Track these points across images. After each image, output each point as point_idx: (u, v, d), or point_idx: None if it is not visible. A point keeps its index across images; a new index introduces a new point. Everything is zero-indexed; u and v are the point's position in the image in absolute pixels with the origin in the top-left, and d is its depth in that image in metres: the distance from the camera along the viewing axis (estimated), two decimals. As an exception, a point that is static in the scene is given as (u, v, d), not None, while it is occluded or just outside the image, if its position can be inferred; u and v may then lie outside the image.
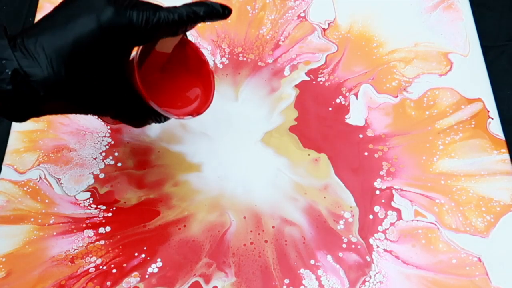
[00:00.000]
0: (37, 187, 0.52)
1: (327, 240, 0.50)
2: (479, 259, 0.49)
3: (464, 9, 0.62)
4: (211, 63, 0.58)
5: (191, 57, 0.46)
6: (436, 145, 0.54)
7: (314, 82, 0.58)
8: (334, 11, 0.62)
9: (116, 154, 0.54)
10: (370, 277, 0.48)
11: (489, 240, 0.50)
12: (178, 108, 0.46)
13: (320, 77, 0.58)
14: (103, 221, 0.50)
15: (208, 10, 0.40)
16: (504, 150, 0.54)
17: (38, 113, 0.39)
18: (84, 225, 0.50)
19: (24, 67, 0.36)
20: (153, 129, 0.55)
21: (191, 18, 0.40)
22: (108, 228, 0.50)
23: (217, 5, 0.41)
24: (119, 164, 0.53)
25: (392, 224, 0.50)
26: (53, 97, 0.38)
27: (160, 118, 0.45)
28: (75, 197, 0.52)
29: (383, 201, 0.51)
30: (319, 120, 0.56)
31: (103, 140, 0.55)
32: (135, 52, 0.42)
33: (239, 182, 0.53)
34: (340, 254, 0.49)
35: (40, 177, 0.52)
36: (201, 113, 0.46)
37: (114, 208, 0.51)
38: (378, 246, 0.49)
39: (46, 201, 0.51)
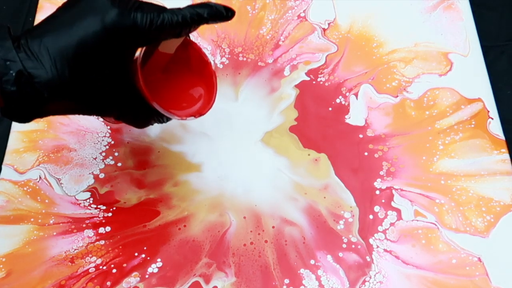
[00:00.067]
0: (37, 187, 0.52)
1: (327, 240, 0.50)
2: (479, 259, 0.49)
3: (464, 9, 0.62)
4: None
5: (194, 58, 0.47)
6: (436, 145, 0.54)
7: (314, 82, 0.58)
8: (334, 11, 0.62)
9: (116, 154, 0.54)
10: (370, 277, 0.48)
11: (489, 240, 0.50)
12: (182, 108, 0.46)
13: (320, 77, 0.58)
14: (103, 221, 0.50)
15: (211, 12, 0.41)
16: (504, 150, 0.54)
17: (42, 114, 0.39)
18: (84, 225, 0.50)
19: (28, 69, 0.36)
20: (153, 129, 0.55)
21: (195, 20, 0.40)
22: (108, 228, 0.50)
23: (221, 7, 0.41)
24: (119, 164, 0.53)
25: (392, 224, 0.50)
26: (57, 98, 0.38)
27: (163, 119, 0.45)
28: (75, 197, 0.52)
29: (383, 201, 0.51)
30: (319, 120, 0.56)
31: (103, 140, 0.55)
32: (138, 52, 0.42)
33: (239, 182, 0.53)
34: (340, 254, 0.49)
35: (40, 177, 0.52)
36: (203, 114, 0.46)
37: (114, 208, 0.51)
38: (378, 246, 0.49)
39: (46, 201, 0.51)
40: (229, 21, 0.42)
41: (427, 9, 0.63)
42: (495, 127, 0.55)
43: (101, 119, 0.55)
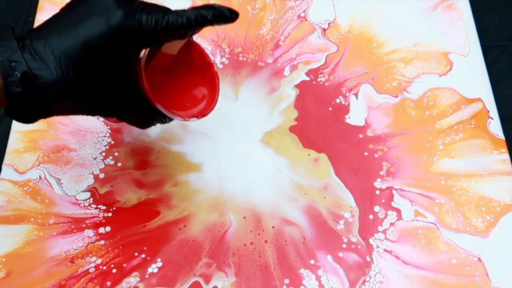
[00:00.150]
0: (37, 187, 0.52)
1: (327, 240, 0.50)
2: (479, 259, 0.49)
3: (464, 9, 0.62)
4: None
5: (196, 59, 0.47)
6: (436, 145, 0.54)
7: (314, 82, 0.58)
8: (334, 11, 0.62)
9: (116, 154, 0.54)
10: (370, 277, 0.48)
11: (489, 240, 0.50)
12: (186, 109, 0.46)
13: (320, 77, 0.58)
14: (103, 221, 0.50)
15: (216, 14, 0.41)
16: (504, 150, 0.54)
17: (46, 115, 0.39)
18: (84, 225, 0.50)
19: (33, 70, 0.36)
20: (153, 129, 0.55)
21: (199, 21, 0.40)
22: (108, 228, 0.50)
23: (225, 9, 0.41)
24: (119, 164, 0.53)
25: (392, 224, 0.50)
26: (61, 99, 0.38)
27: (165, 119, 0.45)
28: (75, 197, 0.52)
29: (383, 201, 0.51)
30: (319, 120, 0.56)
31: (103, 140, 0.55)
32: (142, 53, 0.42)
33: (239, 182, 0.53)
34: (340, 254, 0.49)
35: (40, 177, 0.52)
36: (206, 115, 0.46)
37: (114, 208, 0.51)
38: (378, 246, 0.49)
39: (46, 201, 0.51)
40: (230, 22, 0.43)
41: (427, 9, 0.63)
42: (495, 127, 0.55)
43: (101, 119, 0.55)
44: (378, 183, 0.52)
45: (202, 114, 0.46)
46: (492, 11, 0.63)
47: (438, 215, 0.51)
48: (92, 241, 0.49)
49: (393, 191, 0.52)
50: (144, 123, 0.45)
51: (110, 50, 0.38)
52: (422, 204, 0.51)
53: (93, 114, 0.42)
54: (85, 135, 0.55)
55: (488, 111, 0.56)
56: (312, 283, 0.48)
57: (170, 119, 0.46)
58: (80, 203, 0.51)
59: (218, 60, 0.59)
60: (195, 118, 0.45)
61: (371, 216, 0.51)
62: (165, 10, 0.39)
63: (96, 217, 0.51)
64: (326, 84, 0.58)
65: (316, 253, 0.49)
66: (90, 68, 0.38)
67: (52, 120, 0.55)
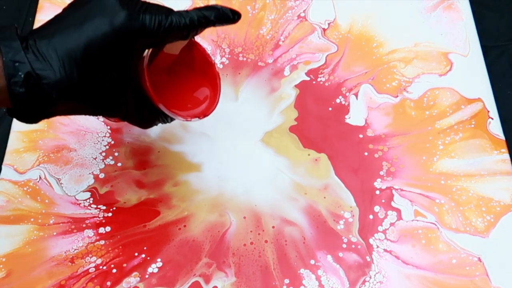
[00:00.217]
0: (37, 187, 0.52)
1: (327, 240, 0.50)
2: (479, 259, 0.49)
3: (464, 9, 0.62)
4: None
5: (198, 59, 0.47)
6: (436, 145, 0.54)
7: (314, 82, 0.58)
8: (334, 11, 0.62)
9: (116, 154, 0.54)
10: (370, 277, 0.48)
11: (489, 240, 0.49)
12: (187, 109, 0.46)
13: (320, 77, 0.58)
14: (103, 221, 0.50)
15: (218, 15, 0.41)
16: (504, 150, 0.54)
17: (49, 115, 0.39)
18: (84, 225, 0.50)
19: (36, 70, 0.36)
20: (154, 129, 0.55)
21: (202, 22, 0.40)
22: (108, 228, 0.50)
23: (227, 10, 0.41)
24: (119, 164, 0.53)
25: (392, 224, 0.50)
26: (65, 99, 0.38)
27: (167, 119, 0.45)
28: (75, 197, 0.52)
29: (383, 201, 0.51)
30: (319, 120, 0.56)
31: (103, 140, 0.55)
32: (144, 53, 0.42)
33: (239, 182, 0.53)
34: (340, 254, 0.49)
35: (40, 177, 0.52)
36: (207, 115, 0.46)
37: (114, 208, 0.51)
38: (378, 246, 0.49)
39: (46, 201, 0.51)
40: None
41: (427, 9, 0.63)
42: (495, 127, 0.55)
43: (101, 119, 0.55)
44: (378, 183, 0.52)
45: (204, 114, 0.46)
46: (492, 11, 0.63)
47: (438, 215, 0.51)
48: (92, 241, 0.49)
49: (393, 191, 0.52)
50: (146, 123, 0.45)
51: (114, 51, 0.38)
52: (422, 204, 0.51)
53: (95, 114, 0.42)
54: (85, 135, 0.55)
55: (488, 111, 0.56)
56: (312, 283, 0.48)
57: (172, 119, 0.46)
58: (80, 203, 0.51)
59: (218, 60, 0.59)
60: (197, 119, 0.45)
61: (371, 216, 0.51)
62: (168, 11, 0.39)
63: (96, 217, 0.51)
64: (326, 84, 0.58)
65: (316, 253, 0.49)
66: (94, 69, 0.38)
67: (52, 120, 0.55)
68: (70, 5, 0.39)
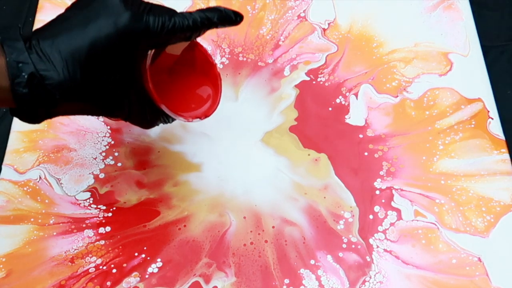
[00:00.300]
0: (37, 187, 0.52)
1: (327, 240, 0.50)
2: (479, 259, 0.49)
3: (464, 9, 0.62)
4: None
5: (199, 59, 0.47)
6: (436, 145, 0.54)
7: (314, 82, 0.58)
8: (334, 11, 0.62)
9: (116, 154, 0.54)
10: (370, 277, 0.48)
11: (489, 240, 0.49)
12: (190, 109, 0.46)
13: (320, 77, 0.58)
14: (103, 221, 0.50)
15: (221, 16, 0.41)
16: (504, 150, 0.54)
17: (52, 115, 0.39)
18: (84, 225, 0.50)
19: (40, 71, 0.36)
20: (153, 129, 0.55)
21: (205, 24, 0.40)
22: (108, 228, 0.50)
23: (230, 11, 0.41)
24: (119, 164, 0.53)
25: (392, 224, 0.50)
26: (68, 99, 0.38)
27: (168, 119, 0.46)
28: (75, 197, 0.52)
29: (383, 201, 0.51)
30: (319, 120, 0.56)
31: (103, 140, 0.55)
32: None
33: (239, 182, 0.53)
34: (340, 254, 0.49)
35: (40, 177, 0.52)
36: (208, 116, 0.46)
37: (114, 208, 0.51)
38: (378, 246, 0.49)
39: (46, 201, 0.51)
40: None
41: (427, 9, 0.63)
42: (495, 127, 0.55)
43: (101, 119, 0.55)
44: (378, 183, 0.52)
45: (205, 115, 0.46)
46: (492, 11, 0.63)
47: (438, 215, 0.51)
48: (92, 241, 0.49)
49: (393, 191, 0.52)
50: (148, 124, 0.45)
51: (117, 52, 0.38)
52: (422, 204, 0.51)
53: (98, 115, 0.42)
54: (85, 135, 0.55)
55: (488, 111, 0.56)
56: (312, 283, 0.48)
57: (173, 120, 0.46)
58: (80, 203, 0.51)
59: (218, 60, 0.59)
60: (198, 119, 0.46)
61: (371, 216, 0.51)
62: (171, 12, 0.39)
63: (96, 217, 0.51)
64: (326, 84, 0.58)
65: (316, 253, 0.49)
66: (97, 69, 0.38)
67: (52, 120, 0.55)
68: (73, 5, 0.39)
